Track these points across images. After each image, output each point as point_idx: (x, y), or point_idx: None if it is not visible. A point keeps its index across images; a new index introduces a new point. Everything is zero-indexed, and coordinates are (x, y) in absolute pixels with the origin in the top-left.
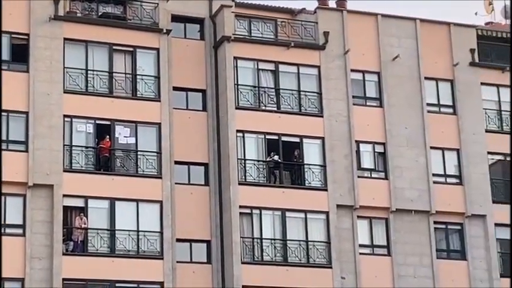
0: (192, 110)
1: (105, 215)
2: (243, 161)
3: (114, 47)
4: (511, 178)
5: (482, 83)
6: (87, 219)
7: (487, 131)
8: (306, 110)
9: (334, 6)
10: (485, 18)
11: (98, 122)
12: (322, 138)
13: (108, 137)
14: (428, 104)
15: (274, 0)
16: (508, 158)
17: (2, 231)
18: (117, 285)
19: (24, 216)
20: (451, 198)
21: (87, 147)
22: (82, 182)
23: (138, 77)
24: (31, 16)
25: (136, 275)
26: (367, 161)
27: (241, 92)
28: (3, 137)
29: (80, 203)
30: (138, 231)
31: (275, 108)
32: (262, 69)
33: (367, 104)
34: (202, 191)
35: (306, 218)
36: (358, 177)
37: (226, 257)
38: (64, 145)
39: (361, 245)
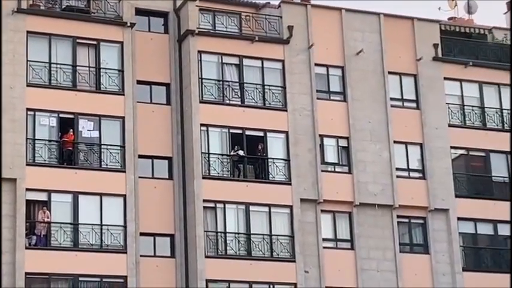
0: (156, 104)
1: (68, 209)
2: (207, 155)
3: (78, 40)
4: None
5: (445, 78)
6: (50, 213)
7: (449, 125)
8: (270, 104)
9: (299, 0)
10: (448, 13)
11: (61, 115)
12: (286, 133)
13: (71, 130)
14: (391, 99)
15: None
16: (471, 153)
17: None
18: (80, 279)
19: None
20: (414, 193)
21: (50, 141)
22: (45, 175)
23: (101, 70)
24: None
25: (100, 269)
26: (331, 155)
27: (205, 86)
28: None
29: (43, 196)
30: (101, 225)
31: (239, 102)
32: (227, 63)
33: (331, 98)
34: (166, 185)
35: (269, 212)
36: (322, 171)
37: (190, 251)
38: (27, 139)
39: (324, 239)
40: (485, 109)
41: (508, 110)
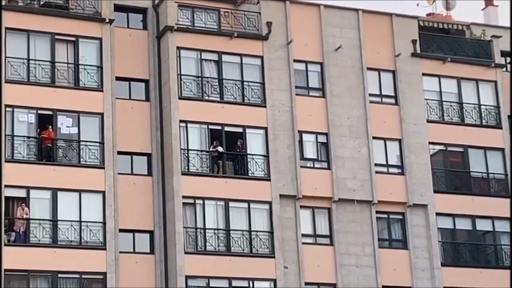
0: (135, 100)
1: (47, 206)
2: (186, 151)
3: (56, 37)
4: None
5: (423, 74)
6: (29, 209)
7: (428, 121)
8: (249, 100)
9: None
10: (426, 9)
11: (39, 112)
12: (265, 129)
13: (50, 127)
14: (370, 95)
15: None
16: (450, 148)
17: None
18: (59, 276)
19: None
20: (393, 188)
21: (29, 138)
22: (24, 172)
23: (80, 66)
24: None
25: (79, 266)
26: (310, 151)
27: (184, 82)
28: None
29: (21, 193)
30: (80, 221)
31: (218, 99)
32: (205, 60)
33: (310, 94)
34: (145, 181)
35: (249, 208)
36: (301, 167)
37: (169, 247)
38: (6, 135)
39: (303, 235)
40: (464, 105)
41: (485, 105)
